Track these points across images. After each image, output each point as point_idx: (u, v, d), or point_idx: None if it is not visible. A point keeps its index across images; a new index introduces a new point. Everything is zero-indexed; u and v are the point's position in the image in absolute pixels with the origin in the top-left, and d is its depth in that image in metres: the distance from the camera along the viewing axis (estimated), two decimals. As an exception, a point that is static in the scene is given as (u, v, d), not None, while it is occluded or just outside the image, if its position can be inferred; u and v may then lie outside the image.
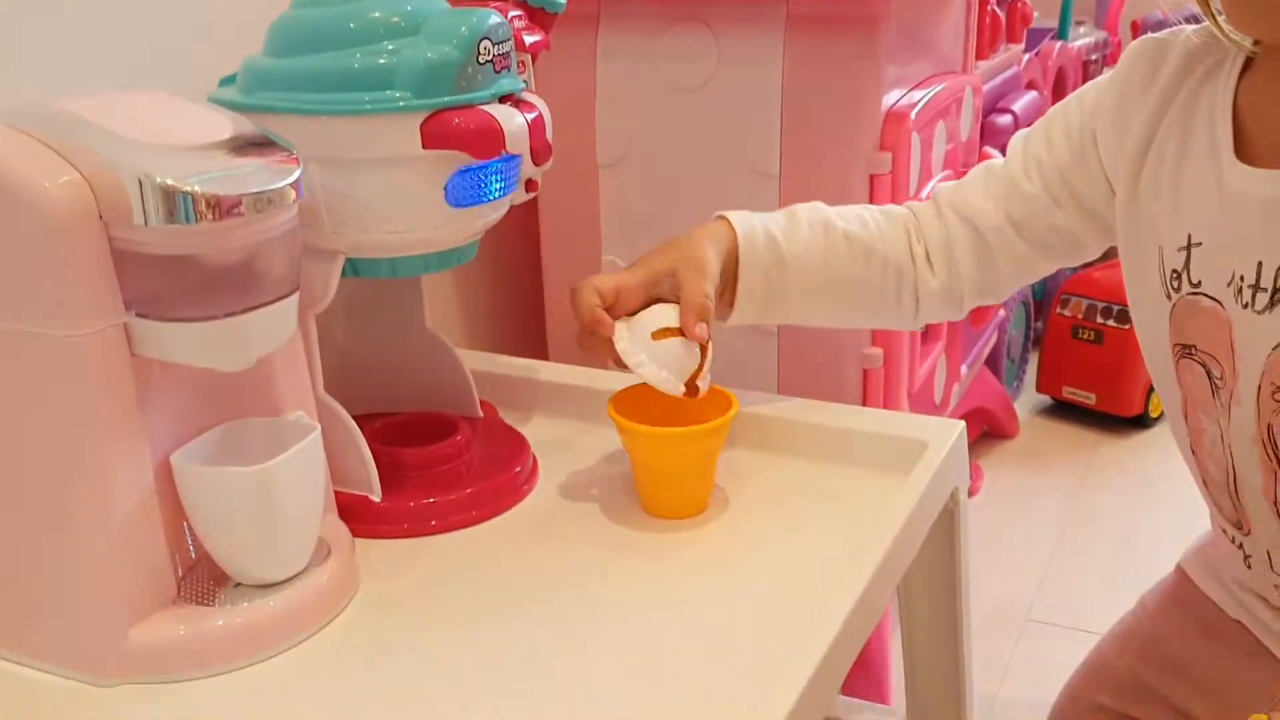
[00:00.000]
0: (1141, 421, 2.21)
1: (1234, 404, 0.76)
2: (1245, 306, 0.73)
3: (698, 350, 0.80)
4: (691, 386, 0.80)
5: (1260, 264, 0.72)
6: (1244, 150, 0.74)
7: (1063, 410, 2.30)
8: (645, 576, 0.78)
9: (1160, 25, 2.77)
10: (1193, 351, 0.78)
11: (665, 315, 0.81)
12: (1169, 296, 0.79)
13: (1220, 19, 0.73)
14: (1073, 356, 2.23)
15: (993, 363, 2.16)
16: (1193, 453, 0.83)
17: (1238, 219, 0.73)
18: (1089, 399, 2.23)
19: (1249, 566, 0.83)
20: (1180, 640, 0.91)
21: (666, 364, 0.80)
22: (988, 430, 2.19)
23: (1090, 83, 0.87)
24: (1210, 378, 0.77)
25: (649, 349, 0.80)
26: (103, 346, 0.63)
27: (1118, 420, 2.22)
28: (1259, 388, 0.74)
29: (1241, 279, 0.73)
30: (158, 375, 0.67)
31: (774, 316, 0.89)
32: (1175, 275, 0.78)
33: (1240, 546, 0.83)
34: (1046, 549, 1.81)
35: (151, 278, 0.63)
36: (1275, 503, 0.76)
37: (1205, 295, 0.76)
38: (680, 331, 0.80)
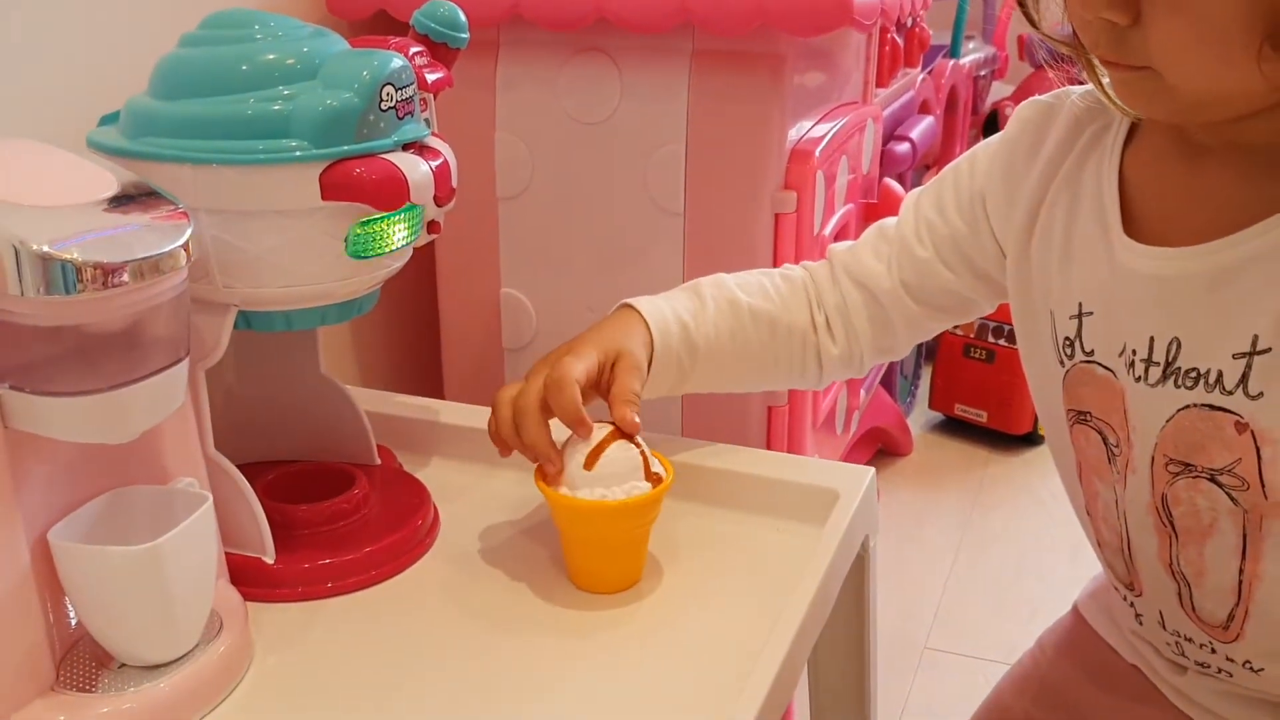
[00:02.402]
0: (1031, 439, 2.25)
1: (1129, 472, 0.76)
2: (1138, 380, 0.73)
3: (633, 448, 0.78)
4: (652, 478, 0.78)
5: (1152, 339, 0.71)
6: (1131, 225, 0.73)
7: (954, 427, 2.33)
8: (558, 646, 0.75)
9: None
10: (1088, 418, 0.78)
11: (579, 448, 0.78)
12: (1062, 363, 0.79)
13: (1106, 84, 0.72)
14: (964, 375, 2.26)
15: (887, 380, 2.17)
16: (1088, 514, 0.83)
17: (1128, 293, 0.73)
18: (980, 416, 2.27)
19: (1140, 623, 0.83)
20: (1076, 686, 0.91)
21: (616, 479, 0.77)
22: (882, 448, 2.20)
23: (981, 144, 0.86)
24: (1106, 444, 0.77)
25: (592, 480, 0.76)
26: (-29, 421, 0.58)
27: (1008, 437, 2.25)
28: (1153, 458, 0.73)
29: (1134, 352, 0.73)
30: (33, 446, 0.62)
31: (680, 392, 0.90)
32: (1068, 342, 0.78)
33: (1132, 605, 0.83)
34: (942, 573, 1.83)
35: (26, 348, 0.58)
36: (1169, 566, 0.77)
37: (1099, 364, 0.76)
38: (608, 440, 0.77)
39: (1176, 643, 0.80)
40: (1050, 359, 0.80)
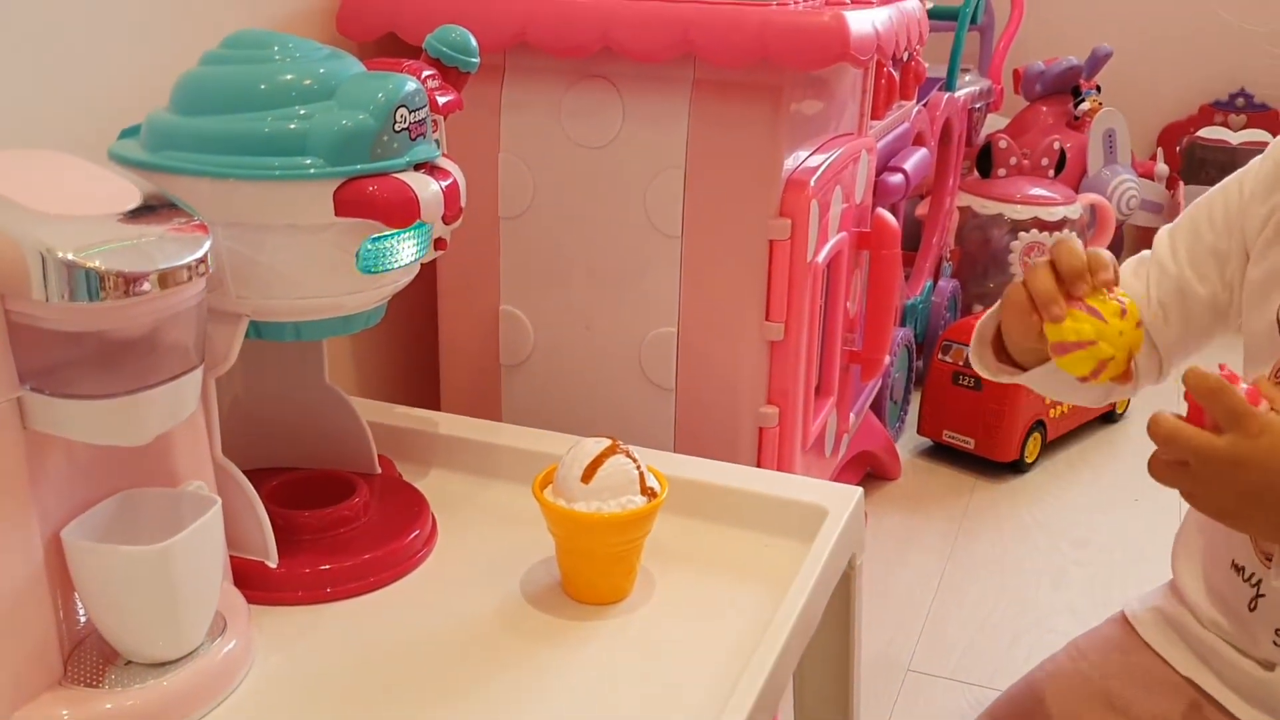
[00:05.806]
0: (1016, 467, 2.27)
1: None
2: None
3: (630, 462, 0.80)
4: (647, 492, 0.80)
5: None
6: None
7: (942, 452, 2.35)
8: (551, 654, 0.77)
9: (1040, 74, 2.84)
10: None
11: (576, 461, 0.80)
12: None
13: None
14: (953, 402, 2.29)
15: (877, 405, 2.20)
16: None
17: None
18: (968, 443, 2.29)
19: (1252, 608, 0.84)
20: (1126, 688, 0.93)
21: (611, 492, 0.79)
22: (871, 472, 2.22)
23: (1243, 170, 0.90)
24: None
25: (588, 493, 0.78)
26: (-6, 421, 0.60)
27: (994, 465, 2.27)
28: None
29: None
30: (50, 446, 0.64)
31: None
32: None
33: (1256, 585, 0.84)
34: (927, 597, 1.85)
35: (49, 351, 0.60)
36: None
37: None
38: (605, 454, 0.79)
39: None
40: (1273, 333, 0.83)
